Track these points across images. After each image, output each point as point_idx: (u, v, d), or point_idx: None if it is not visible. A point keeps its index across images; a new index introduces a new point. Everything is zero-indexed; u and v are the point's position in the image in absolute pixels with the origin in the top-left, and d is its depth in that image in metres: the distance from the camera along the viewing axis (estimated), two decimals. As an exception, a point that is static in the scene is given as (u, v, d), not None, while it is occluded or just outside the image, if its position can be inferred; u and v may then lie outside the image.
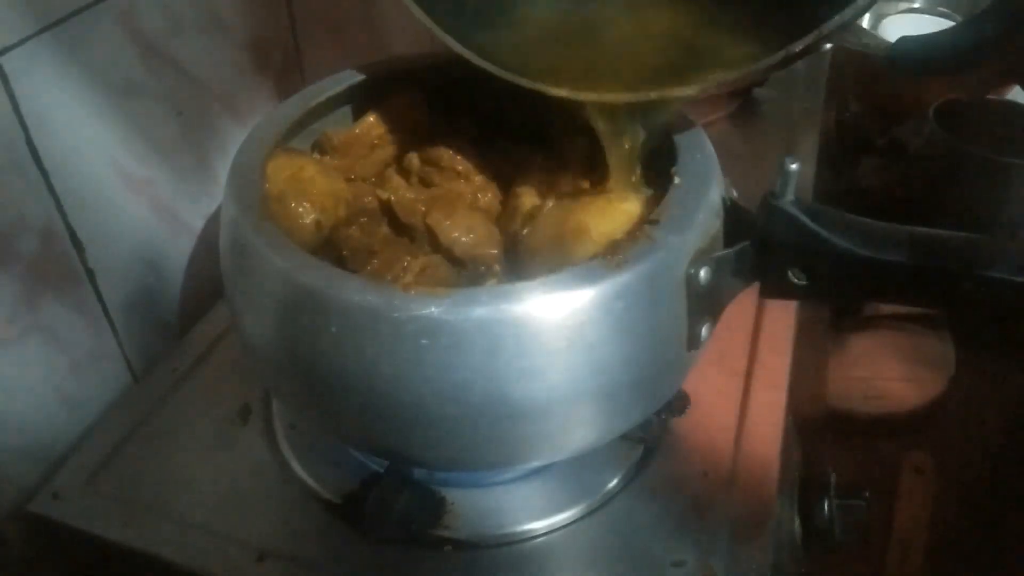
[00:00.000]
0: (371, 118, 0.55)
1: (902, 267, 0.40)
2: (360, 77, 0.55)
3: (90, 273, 0.57)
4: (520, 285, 0.39)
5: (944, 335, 0.94)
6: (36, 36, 0.50)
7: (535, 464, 0.51)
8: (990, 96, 1.00)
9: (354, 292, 0.39)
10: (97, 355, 0.59)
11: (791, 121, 0.91)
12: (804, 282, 0.42)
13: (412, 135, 0.56)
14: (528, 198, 0.50)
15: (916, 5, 1.21)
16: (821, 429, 0.84)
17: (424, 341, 0.38)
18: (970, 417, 0.89)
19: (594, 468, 0.53)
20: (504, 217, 0.52)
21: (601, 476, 0.52)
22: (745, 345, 0.61)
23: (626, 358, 0.42)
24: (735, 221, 0.45)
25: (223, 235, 0.46)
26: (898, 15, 1.20)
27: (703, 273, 0.42)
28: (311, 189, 0.49)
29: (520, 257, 0.49)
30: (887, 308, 0.93)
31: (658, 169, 0.47)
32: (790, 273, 0.42)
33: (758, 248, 0.43)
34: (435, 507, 0.50)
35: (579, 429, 0.44)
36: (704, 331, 0.45)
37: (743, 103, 0.94)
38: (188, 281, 0.67)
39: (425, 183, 0.54)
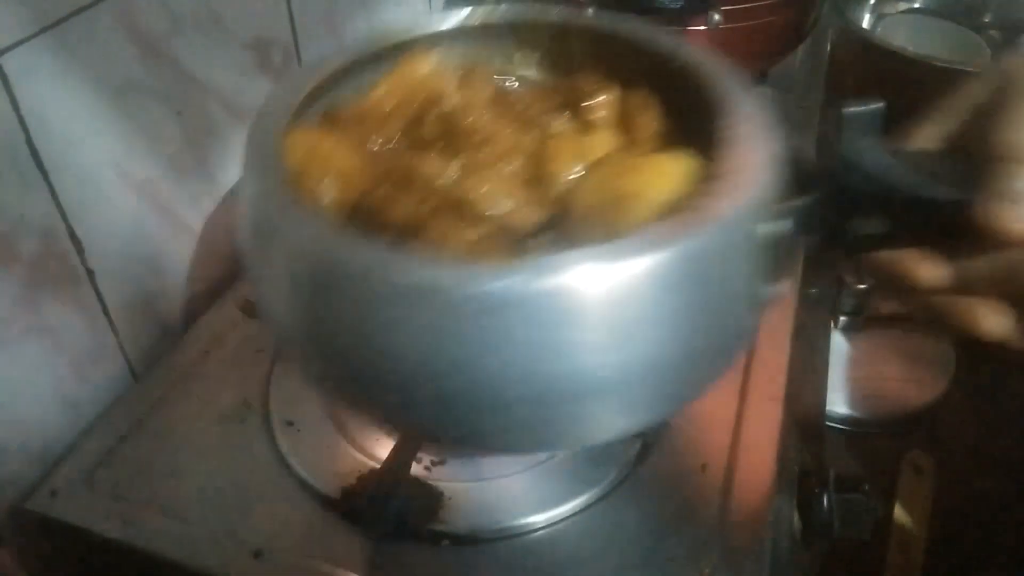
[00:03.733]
0: (383, 87, 0.51)
1: (970, 206, 0.37)
2: (370, 46, 0.52)
3: (90, 273, 0.57)
4: (593, 249, 0.36)
5: (944, 335, 0.94)
6: (36, 36, 0.50)
7: (604, 441, 0.48)
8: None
9: (411, 271, 0.35)
10: (97, 355, 0.59)
11: (791, 120, 0.91)
12: (874, 231, 0.40)
13: (428, 102, 0.51)
14: (560, 161, 0.47)
15: (916, 5, 1.21)
16: (821, 429, 0.84)
17: (491, 319, 0.35)
18: (970, 417, 0.89)
19: (592, 462, 0.53)
20: (537, 183, 0.48)
21: (599, 470, 0.52)
22: (743, 341, 0.61)
23: (702, 323, 0.39)
24: (796, 172, 0.42)
25: (247, 218, 0.43)
26: (898, 15, 1.20)
27: (771, 227, 0.40)
28: (330, 165, 0.45)
29: (564, 225, 0.45)
30: (887, 308, 0.93)
31: (704, 124, 0.44)
32: (860, 223, 0.40)
33: (826, 198, 0.40)
34: (432, 502, 0.50)
35: (652, 402, 0.42)
36: (769, 291, 0.42)
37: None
38: (188, 281, 0.67)
39: (448, 150, 0.49)
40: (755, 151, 0.41)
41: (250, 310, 0.66)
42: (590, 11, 0.53)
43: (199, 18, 0.62)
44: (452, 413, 0.39)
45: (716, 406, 0.56)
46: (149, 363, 0.63)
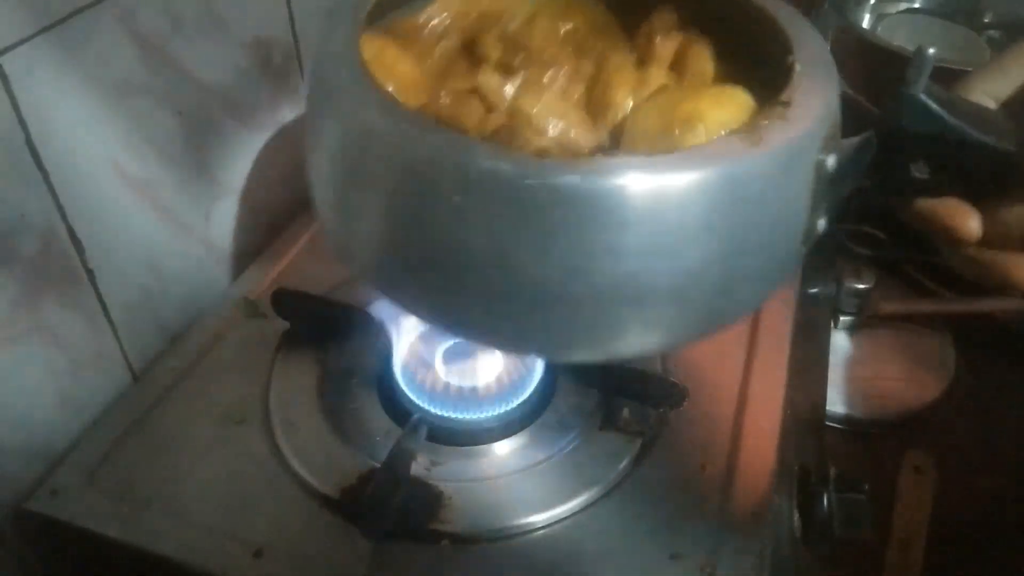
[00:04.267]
0: (434, 5, 0.51)
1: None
2: None
3: (90, 273, 0.57)
4: (664, 156, 0.37)
5: (944, 335, 0.94)
6: (36, 36, 0.50)
7: (646, 353, 0.49)
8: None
9: (483, 158, 0.36)
10: (97, 355, 0.59)
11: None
12: (926, 176, 0.41)
13: (484, 20, 0.51)
14: (620, 90, 0.47)
15: (916, 5, 1.21)
16: (821, 429, 0.84)
17: (559, 212, 0.36)
18: (970, 417, 0.88)
19: (592, 462, 0.53)
20: (595, 108, 0.48)
21: (599, 469, 0.52)
22: (744, 339, 0.61)
23: (753, 244, 0.40)
24: (852, 112, 0.44)
25: (317, 113, 0.44)
26: (898, 15, 1.20)
27: (831, 160, 0.40)
28: (394, 73, 0.45)
29: (623, 148, 0.45)
30: (887, 308, 0.93)
31: (759, 65, 0.46)
32: (912, 167, 0.41)
33: (883, 138, 0.41)
34: (433, 501, 0.50)
35: (694, 317, 0.42)
36: (821, 224, 0.43)
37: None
38: (188, 281, 0.67)
39: (508, 71, 0.49)
40: (818, 85, 0.42)
41: (250, 310, 0.66)
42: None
43: (199, 18, 0.62)
44: (502, 305, 0.40)
45: (716, 406, 0.56)
46: (149, 363, 0.63)
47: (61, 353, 0.56)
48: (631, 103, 0.46)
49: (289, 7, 0.72)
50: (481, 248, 0.38)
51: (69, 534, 0.52)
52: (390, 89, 0.44)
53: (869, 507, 0.56)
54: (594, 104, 0.47)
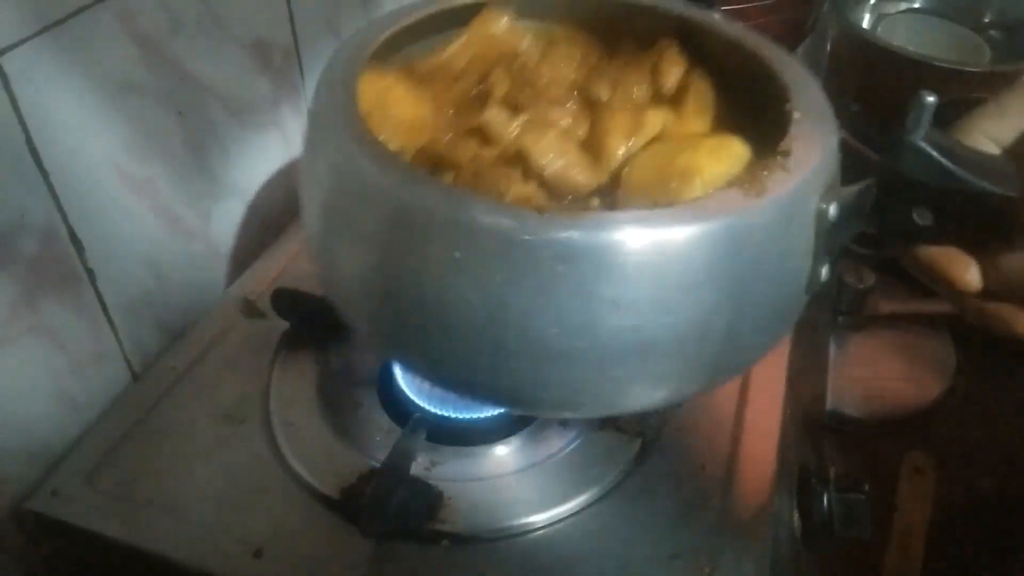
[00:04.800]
0: (457, 44, 0.52)
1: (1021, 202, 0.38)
2: (444, 4, 0.53)
3: (90, 273, 0.57)
4: (666, 210, 0.37)
5: (944, 335, 0.94)
6: (36, 36, 0.50)
7: (652, 407, 0.49)
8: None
9: (483, 213, 0.36)
10: (97, 355, 0.59)
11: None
12: (928, 223, 0.41)
13: (502, 60, 0.52)
14: (615, 136, 0.47)
15: (916, 5, 1.21)
16: (821, 429, 0.84)
17: (561, 267, 0.36)
18: (970, 417, 0.88)
19: (592, 461, 0.53)
20: (595, 150, 0.48)
21: (599, 469, 0.52)
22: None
23: (755, 295, 0.40)
24: (851, 159, 0.44)
25: (312, 157, 0.43)
26: (898, 15, 1.20)
27: (832, 209, 0.40)
28: (397, 112, 0.46)
29: (620, 196, 0.46)
30: (887, 308, 0.93)
31: (759, 111, 0.46)
32: (914, 213, 0.41)
33: (884, 185, 0.41)
34: (432, 501, 0.50)
35: (699, 371, 0.42)
36: (824, 272, 0.43)
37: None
38: (188, 281, 0.67)
39: (515, 108, 0.49)
40: (817, 134, 0.42)
41: (250, 310, 0.66)
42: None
43: (199, 18, 0.62)
44: (501, 362, 0.40)
45: (716, 406, 0.56)
46: (149, 363, 0.63)
47: (61, 353, 0.56)
48: (624, 149, 0.46)
49: (289, 7, 0.72)
50: (477, 304, 0.38)
51: (69, 534, 0.52)
52: (390, 127, 0.44)
53: (869, 507, 0.56)
54: (594, 146, 0.47)
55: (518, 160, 0.45)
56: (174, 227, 0.65)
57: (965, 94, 0.99)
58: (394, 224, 0.39)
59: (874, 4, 1.23)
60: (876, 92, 1.12)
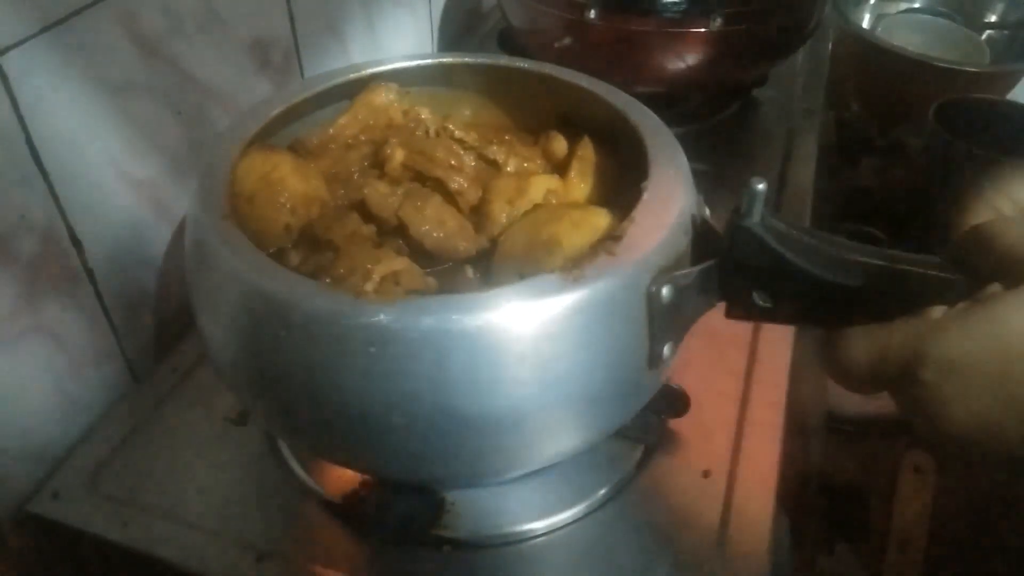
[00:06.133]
0: (344, 117, 0.55)
1: (860, 292, 0.38)
2: (341, 78, 0.55)
3: (90, 273, 0.57)
4: (471, 296, 0.38)
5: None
6: (36, 36, 0.50)
7: (490, 479, 0.51)
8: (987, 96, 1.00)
9: (303, 297, 0.38)
10: (97, 356, 0.59)
11: (791, 121, 0.91)
12: (768, 304, 0.41)
13: (388, 131, 0.55)
14: (495, 204, 0.50)
15: (916, 5, 1.21)
16: (821, 429, 0.84)
17: (372, 349, 0.37)
18: (970, 417, 0.88)
19: (594, 468, 0.53)
20: (476, 217, 0.51)
21: (601, 476, 0.52)
22: (745, 345, 0.61)
23: (583, 374, 0.41)
24: (705, 239, 0.44)
25: (187, 234, 0.46)
26: (898, 15, 1.20)
27: (665, 291, 0.41)
28: (282, 189, 0.48)
29: (493, 263, 0.48)
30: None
31: (634, 182, 0.46)
32: (755, 295, 0.41)
33: (723, 268, 0.42)
34: (435, 507, 0.50)
35: (534, 445, 0.43)
36: (667, 350, 0.43)
37: (743, 104, 0.94)
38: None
39: (408, 176, 0.52)
40: (660, 219, 0.43)
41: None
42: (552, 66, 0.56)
43: (199, 18, 0.62)
44: (345, 435, 0.42)
45: (718, 412, 0.56)
46: (149, 363, 0.63)
47: (61, 353, 0.56)
48: (507, 215, 0.49)
49: (289, 7, 0.71)
50: (307, 382, 0.40)
51: (70, 537, 0.52)
52: (275, 205, 0.47)
53: (869, 507, 0.56)
54: (481, 211, 0.50)
55: (399, 231, 0.48)
56: (174, 227, 0.64)
57: (965, 94, 0.99)
58: (239, 304, 0.41)
59: (874, 4, 1.23)
60: (876, 92, 1.12)
